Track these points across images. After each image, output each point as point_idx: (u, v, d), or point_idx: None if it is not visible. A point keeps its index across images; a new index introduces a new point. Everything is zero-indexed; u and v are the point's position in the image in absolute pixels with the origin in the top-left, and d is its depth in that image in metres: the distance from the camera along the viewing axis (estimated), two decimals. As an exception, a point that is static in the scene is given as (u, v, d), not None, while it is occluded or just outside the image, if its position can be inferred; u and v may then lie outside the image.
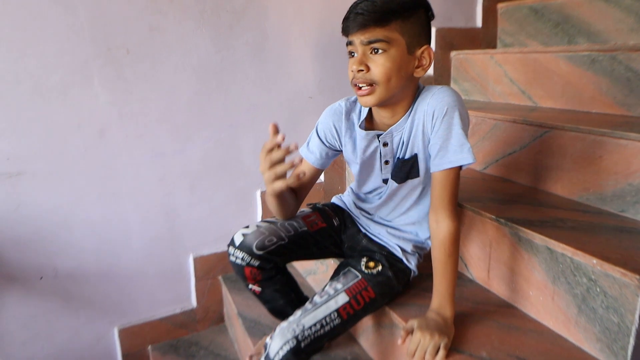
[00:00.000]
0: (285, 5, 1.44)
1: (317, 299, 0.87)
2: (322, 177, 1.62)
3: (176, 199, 1.43)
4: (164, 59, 1.32)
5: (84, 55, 1.22)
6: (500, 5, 1.77)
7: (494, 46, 1.80)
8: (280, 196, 0.92)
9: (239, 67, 1.42)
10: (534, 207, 1.02)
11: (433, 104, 0.85)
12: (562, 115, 1.20)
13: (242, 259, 0.93)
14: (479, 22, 1.78)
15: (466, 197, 1.10)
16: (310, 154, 0.99)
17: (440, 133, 0.83)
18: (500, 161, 1.25)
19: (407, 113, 0.88)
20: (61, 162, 1.26)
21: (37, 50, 1.17)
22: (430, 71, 1.70)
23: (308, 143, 1.00)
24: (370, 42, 0.80)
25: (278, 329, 0.83)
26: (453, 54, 1.69)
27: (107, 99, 1.28)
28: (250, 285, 0.99)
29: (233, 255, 0.95)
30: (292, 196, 0.98)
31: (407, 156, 0.90)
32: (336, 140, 0.97)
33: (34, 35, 1.16)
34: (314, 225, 1.03)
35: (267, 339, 0.83)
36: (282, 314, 1.05)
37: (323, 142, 0.98)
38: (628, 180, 0.94)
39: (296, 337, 0.80)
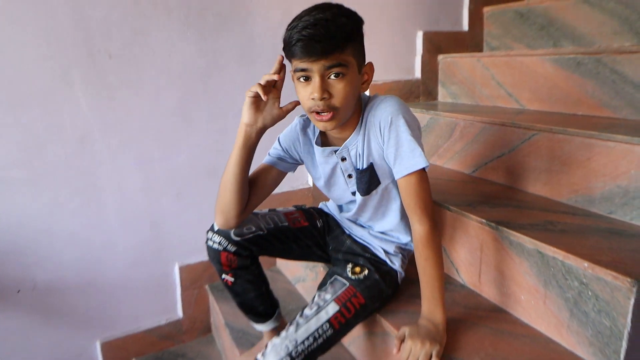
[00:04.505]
0: (272, 8, 1.42)
1: (307, 311, 0.86)
2: (310, 182, 1.60)
3: (161, 206, 1.39)
4: (148, 63, 1.29)
5: (65, 60, 1.19)
6: (486, 9, 1.78)
7: (480, 49, 1.81)
8: (246, 135, 0.88)
9: (225, 71, 1.40)
10: (524, 209, 1.02)
11: (378, 115, 0.86)
12: (549, 117, 1.21)
13: (220, 243, 0.96)
14: (465, 26, 1.79)
15: (455, 200, 1.09)
16: (270, 158, 0.99)
17: (391, 142, 0.84)
18: (489, 164, 1.25)
19: (358, 126, 0.89)
20: (41, 170, 1.22)
21: (15, 55, 1.14)
22: (418, 75, 1.70)
23: (269, 152, 1.00)
24: (331, 67, 0.78)
25: (270, 346, 0.80)
26: (440, 57, 1.70)
27: (89, 104, 1.24)
28: (224, 275, 1.00)
29: (210, 239, 0.97)
30: (246, 186, 0.93)
31: (364, 166, 0.91)
32: (296, 153, 0.99)
33: (12, 39, 1.13)
34: (296, 222, 1.05)
35: (259, 356, 0.80)
36: (251, 310, 1.07)
37: (283, 149, 0.98)
38: (616, 182, 0.94)
39: (290, 355, 0.78)
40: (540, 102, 1.34)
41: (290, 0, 1.44)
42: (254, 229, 0.98)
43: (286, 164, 0.99)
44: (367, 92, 0.96)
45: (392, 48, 1.64)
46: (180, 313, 1.49)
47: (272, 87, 0.87)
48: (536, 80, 1.34)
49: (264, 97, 0.83)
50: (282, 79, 0.87)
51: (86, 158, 1.26)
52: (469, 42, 1.79)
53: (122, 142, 1.30)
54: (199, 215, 1.44)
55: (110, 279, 1.36)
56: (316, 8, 0.79)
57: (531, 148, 1.12)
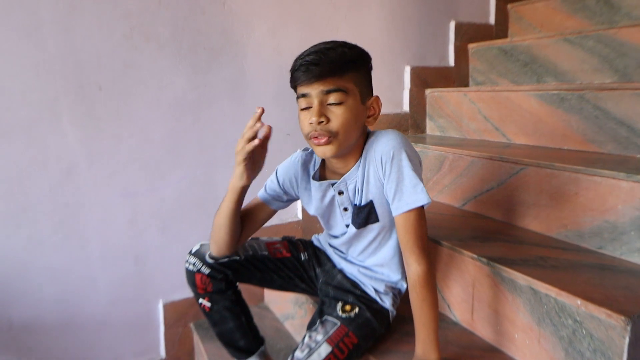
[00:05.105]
0: (264, 42, 1.45)
1: (298, 354, 0.83)
2: (299, 215, 1.59)
3: (146, 240, 1.36)
4: (138, 95, 1.29)
5: (53, 91, 1.18)
6: (470, 46, 1.84)
7: (466, 84, 1.86)
8: (241, 193, 0.87)
9: (216, 104, 1.40)
10: (514, 244, 1.01)
11: (379, 149, 0.85)
12: (535, 152, 1.22)
13: (194, 264, 0.98)
14: (451, 61, 1.84)
15: (446, 234, 1.08)
16: (266, 195, 0.99)
17: (392, 177, 0.83)
18: (479, 198, 1.25)
19: (358, 161, 0.89)
20: (22, 203, 1.18)
21: (1, 86, 1.13)
22: (407, 108, 1.73)
23: (266, 186, 1.00)
24: (329, 92, 0.80)
25: None
26: (428, 91, 1.73)
27: (76, 136, 1.23)
28: (201, 299, 1.00)
29: (187, 261, 0.99)
30: (239, 224, 0.94)
31: (362, 203, 0.90)
32: (293, 189, 0.99)
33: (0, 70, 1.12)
34: (277, 252, 1.05)
35: None
36: (231, 343, 1.05)
37: (280, 186, 0.98)
38: (604, 217, 0.95)
39: None
40: (527, 136, 1.36)
41: (280, 36, 1.47)
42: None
43: (281, 203, 1.00)
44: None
45: (381, 82, 1.67)
46: (163, 353, 1.43)
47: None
48: (522, 115, 1.36)
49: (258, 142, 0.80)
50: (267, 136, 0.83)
51: (70, 190, 1.24)
52: (455, 77, 1.83)
53: (109, 174, 1.28)
54: (184, 250, 1.38)
55: (90, 316, 1.30)
56: (323, 43, 0.83)
57: (519, 182, 1.12)
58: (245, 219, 0.96)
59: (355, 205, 0.91)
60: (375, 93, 0.89)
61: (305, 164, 0.97)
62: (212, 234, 0.94)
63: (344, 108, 0.81)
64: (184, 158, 1.38)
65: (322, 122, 0.80)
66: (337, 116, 0.80)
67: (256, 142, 0.80)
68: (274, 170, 1.00)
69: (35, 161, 1.19)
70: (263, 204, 0.99)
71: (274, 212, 1.01)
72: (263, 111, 0.82)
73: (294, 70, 0.82)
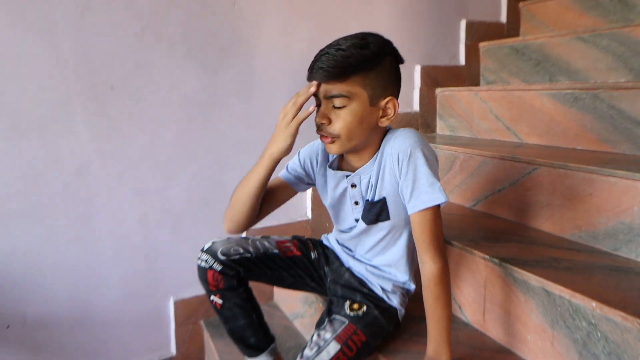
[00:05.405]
0: (273, 42, 1.45)
1: (307, 352, 0.83)
2: (309, 214, 1.59)
3: (157, 238, 1.37)
4: (150, 95, 1.30)
5: (67, 91, 1.20)
6: (482, 45, 1.82)
7: (477, 83, 1.84)
8: (277, 163, 0.89)
9: (226, 104, 1.41)
10: (527, 245, 1.00)
11: (396, 147, 0.85)
12: (547, 151, 1.21)
13: (206, 261, 0.97)
14: (462, 60, 1.82)
15: (457, 234, 1.08)
16: (288, 174, 1.01)
17: (409, 175, 0.83)
18: (490, 198, 1.24)
19: (374, 157, 0.89)
20: (36, 201, 1.20)
21: (17, 86, 1.14)
22: (417, 107, 1.72)
23: (287, 166, 1.02)
24: (331, 97, 0.81)
25: None
26: (438, 90, 1.72)
27: (89, 135, 1.24)
28: (212, 297, 1.00)
29: (199, 258, 0.99)
30: (260, 199, 0.95)
31: (375, 198, 0.90)
32: (312, 171, 1.00)
33: (14, 70, 1.14)
34: (287, 251, 1.05)
35: None
36: (242, 341, 1.05)
37: (301, 165, 1.00)
38: (619, 218, 0.93)
39: None
40: (539, 136, 1.35)
41: (289, 35, 1.47)
42: (241, 250, 0.99)
43: (302, 184, 1.02)
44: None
45: (390, 81, 1.66)
46: (173, 350, 1.44)
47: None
48: (534, 115, 1.35)
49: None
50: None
51: (83, 189, 1.25)
52: (466, 76, 1.82)
53: (120, 172, 1.29)
54: (194, 248, 1.39)
55: (102, 313, 1.32)
56: (344, 38, 0.82)
57: (532, 182, 1.11)
58: (266, 196, 0.97)
59: (367, 200, 0.91)
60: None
61: (325, 150, 0.98)
62: (229, 209, 0.94)
63: (346, 112, 0.81)
64: (193, 157, 1.39)
65: (323, 123, 0.83)
66: (339, 119, 0.82)
67: (312, 109, 0.83)
68: (297, 153, 1.01)
69: (49, 160, 1.20)
70: (285, 183, 1.00)
71: (293, 193, 1.02)
72: (319, 86, 0.82)
73: (310, 68, 0.83)
